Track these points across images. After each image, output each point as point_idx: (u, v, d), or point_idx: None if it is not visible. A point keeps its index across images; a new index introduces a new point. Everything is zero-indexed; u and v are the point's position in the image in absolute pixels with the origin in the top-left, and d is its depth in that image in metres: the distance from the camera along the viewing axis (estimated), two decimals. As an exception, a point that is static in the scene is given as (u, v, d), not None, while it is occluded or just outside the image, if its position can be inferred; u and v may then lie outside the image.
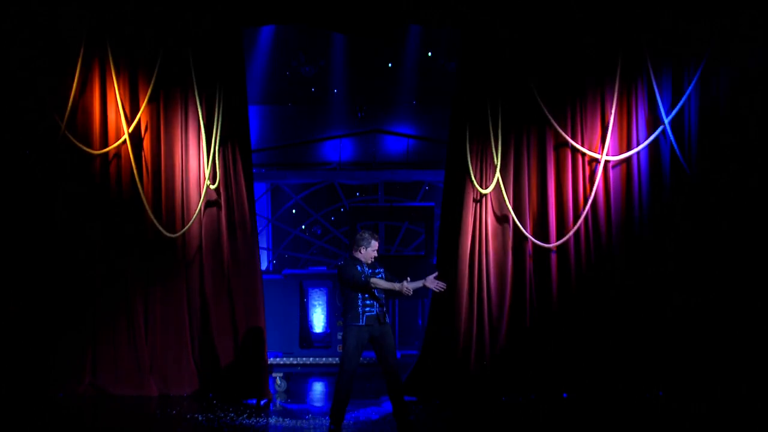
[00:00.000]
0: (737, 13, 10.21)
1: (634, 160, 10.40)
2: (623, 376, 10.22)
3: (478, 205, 10.35)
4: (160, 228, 10.34)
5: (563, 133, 10.34)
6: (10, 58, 10.39)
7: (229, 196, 10.45)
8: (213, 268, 10.43)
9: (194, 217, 10.36)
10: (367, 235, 8.58)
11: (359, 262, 8.54)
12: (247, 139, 10.54)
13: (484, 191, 10.32)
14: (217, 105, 10.34)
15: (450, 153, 10.53)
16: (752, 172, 10.24)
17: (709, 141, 10.37)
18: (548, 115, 10.32)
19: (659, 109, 10.34)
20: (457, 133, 10.43)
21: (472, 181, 10.31)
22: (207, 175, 10.31)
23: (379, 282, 8.44)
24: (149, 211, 10.36)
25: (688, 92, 10.32)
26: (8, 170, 10.50)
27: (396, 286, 8.38)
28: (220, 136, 10.34)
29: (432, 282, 8.46)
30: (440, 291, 8.57)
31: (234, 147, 10.44)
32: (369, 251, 8.54)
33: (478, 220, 10.34)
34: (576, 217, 10.37)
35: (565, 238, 10.29)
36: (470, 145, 10.32)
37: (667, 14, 10.25)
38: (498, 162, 10.29)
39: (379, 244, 8.62)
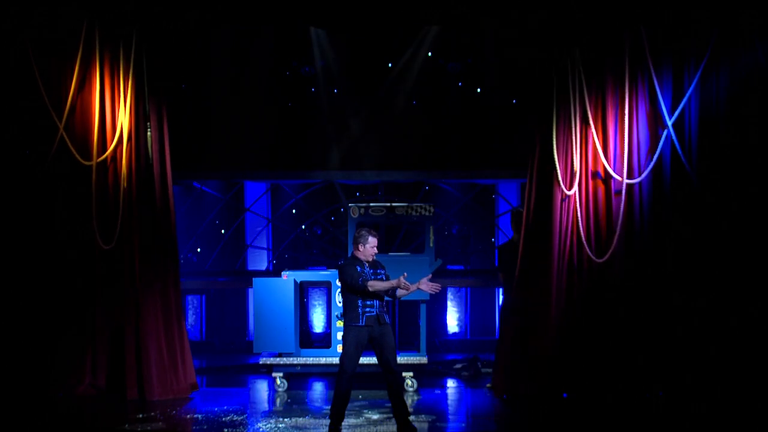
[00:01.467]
0: (738, 12, 10.20)
1: (635, 160, 10.39)
2: (623, 376, 10.22)
3: (564, 203, 10.35)
4: (98, 238, 10.38)
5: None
6: (9, 57, 10.40)
7: (140, 198, 10.44)
8: (130, 274, 10.41)
9: (119, 225, 10.39)
10: (364, 232, 8.56)
11: (359, 261, 8.53)
12: (163, 143, 10.51)
13: (568, 192, 10.32)
14: (156, 108, 10.46)
15: (538, 151, 10.46)
16: (752, 173, 10.22)
17: (709, 141, 10.35)
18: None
19: (661, 109, 10.31)
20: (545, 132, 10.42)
21: (558, 181, 10.31)
22: (123, 178, 10.40)
23: (378, 284, 8.42)
24: (94, 220, 10.38)
25: (689, 93, 10.28)
26: (8, 170, 10.50)
27: (393, 282, 8.39)
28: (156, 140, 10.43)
29: (426, 284, 8.45)
30: (434, 293, 8.55)
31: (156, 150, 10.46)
32: (368, 248, 8.52)
33: (564, 219, 10.34)
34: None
35: (607, 256, 10.21)
36: (556, 144, 10.34)
37: (667, 13, 10.24)
38: (577, 159, 10.31)
39: (378, 241, 8.59)
